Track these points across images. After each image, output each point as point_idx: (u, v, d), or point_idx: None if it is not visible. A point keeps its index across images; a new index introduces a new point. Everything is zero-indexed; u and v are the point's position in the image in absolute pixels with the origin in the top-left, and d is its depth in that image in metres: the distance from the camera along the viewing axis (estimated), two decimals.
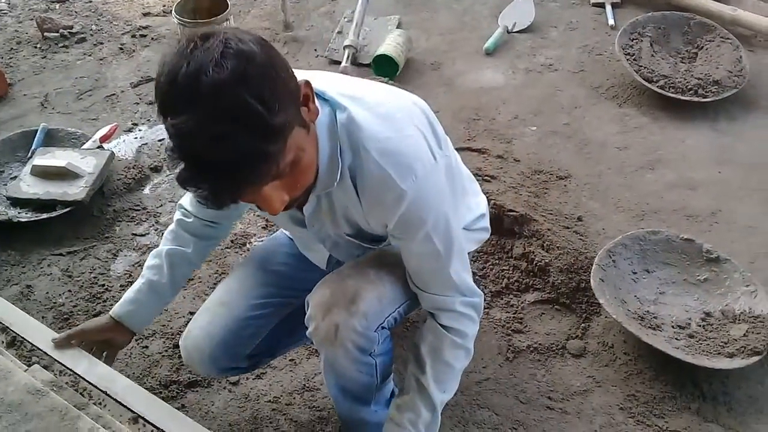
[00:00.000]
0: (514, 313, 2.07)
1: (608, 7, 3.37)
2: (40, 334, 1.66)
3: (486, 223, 1.68)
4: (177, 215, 1.63)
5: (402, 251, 1.39)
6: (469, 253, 1.57)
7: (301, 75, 1.19)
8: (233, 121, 0.97)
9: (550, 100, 2.90)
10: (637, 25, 3.03)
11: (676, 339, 1.92)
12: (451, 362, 1.47)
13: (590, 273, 2.01)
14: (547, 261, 2.12)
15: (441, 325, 1.45)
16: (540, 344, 1.99)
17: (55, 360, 1.62)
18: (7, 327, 1.79)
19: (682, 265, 2.10)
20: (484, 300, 2.07)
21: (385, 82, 2.80)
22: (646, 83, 2.80)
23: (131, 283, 2.12)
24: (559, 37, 3.25)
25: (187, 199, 1.62)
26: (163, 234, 2.27)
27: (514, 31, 3.26)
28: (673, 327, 1.96)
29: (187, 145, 1.00)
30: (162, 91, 1.02)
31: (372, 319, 1.40)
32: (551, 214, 2.31)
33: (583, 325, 2.04)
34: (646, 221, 2.35)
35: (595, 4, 3.43)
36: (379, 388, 1.56)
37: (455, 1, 3.49)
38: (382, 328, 1.44)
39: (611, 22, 3.28)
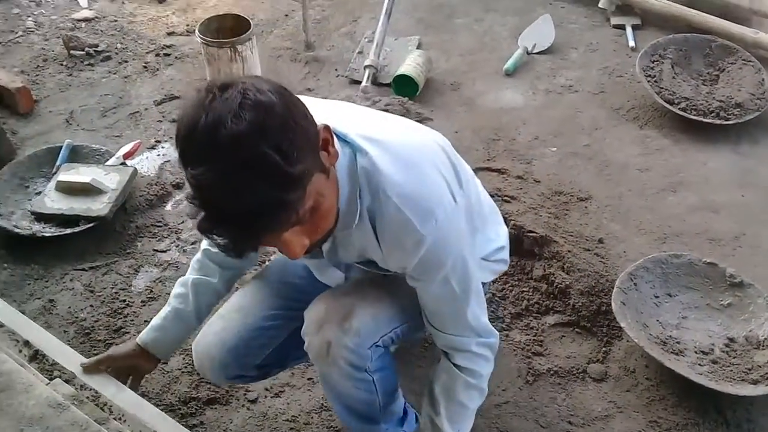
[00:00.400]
0: (534, 336, 2.06)
1: (629, 29, 3.37)
2: (63, 353, 1.69)
3: (505, 255, 1.67)
4: (204, 243, 1.65)
5: (419, 292, 1.39)
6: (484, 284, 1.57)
7: (319, 108, 1.20)
8: (252, 172, 0.98)
9: (571, 121, 2.90)
10: (658, 47, 3.03)
11: (699, 365, 1.90)
12: (465, 402, 1.48)
13: (611, 296, 2.00)
14: (567, 283, 2.11)
15: (455, 364, 1.46)
16: (560, 368, 1.98)
17: (76, 376, 1.64)
18: (29, 341, 1.81)
19: (705, 290, 2.08)
20: (503, 322, 2.07)
21: (405, 102, 2.82)
22: (667, 105, 2.79)
23: (152, 298, 2.16)
24: (580, 58, 3.25)
25: None
26: (183, 250, 2.32)
27: (534, 52, 3.26)
28: (696, 352, 1.94)
29: (207, 195, 1.01)
30: (182, 142, 1.03)
31: (365, 337, 1.41)
32: (572, 235, 2.30)
33: (604, 348, 2.02)
34: (668, 244, 2.33)
35: (616, 26, 3.43)
36: (384, 406, 1.54)
37: (475, 23, 3.51)
38: (377, 346, 1.44)
39: (632, 43, 3.28)
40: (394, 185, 1.22)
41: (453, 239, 1.29)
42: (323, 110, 1.30)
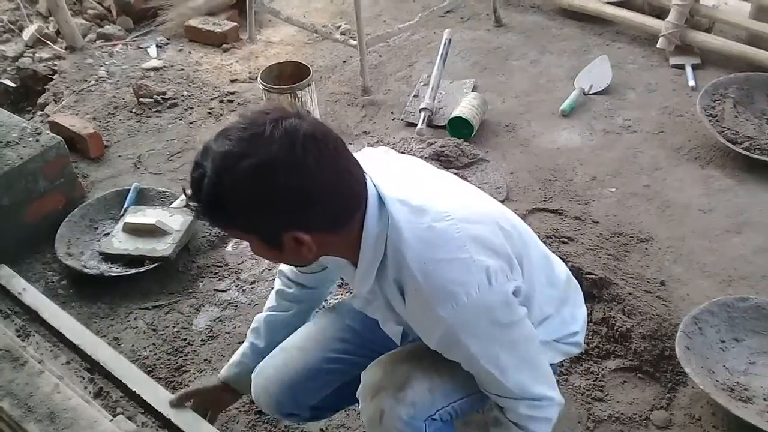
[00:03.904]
0: (594, 381, 2.01)
1: (688, 69, 3.33)
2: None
3: (580, 339, 1.60)
4: (277, 284, 1.71)
5: None
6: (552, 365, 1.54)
7: (386, 158, 1.33)
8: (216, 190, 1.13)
9: (629, 161, 2.86)
10: (718, 86, 2.98)
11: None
12: None
13: (675, 340, 1.94)
14: (628, 327, 2.06)
15: (508, 418, 1.40)
16: (622, 414, 1.92)
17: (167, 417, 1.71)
18: (94, 378, 1.88)
19: None
20: (562, 365, 2.03)
21: (460, 143, 2.84)
22: (730, 145, 2.73)
23: (212, 337, 2.21)
24: (638, 98, 3.22)
25: (286, 266, 1.69)
26: (243, 290, 2.37)
27: (590, 93, 3.25)
28: (765, 400, 1.86)
29: (201, 164, 1.16)
30: (228, 126, 1.16)
31: (420, 410, 1.39)
32: (632, 278, 2.25)
33: (668, 395, 1.96)
34: (733, 287, 2.25)
35: (675, 66, 3.40)
36: None
37: (531, 65, 3.53)
38: (432, 419, 1.41)
39: (692, 83, 3.24)
40: (417, 261, 1.21)
41: (479, 324, 1.24)
42: (388, 157, 1.41)
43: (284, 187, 1.12)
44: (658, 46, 3.44)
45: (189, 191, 1.19)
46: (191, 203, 1.19)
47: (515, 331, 1.30)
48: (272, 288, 1.73)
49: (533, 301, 1.39)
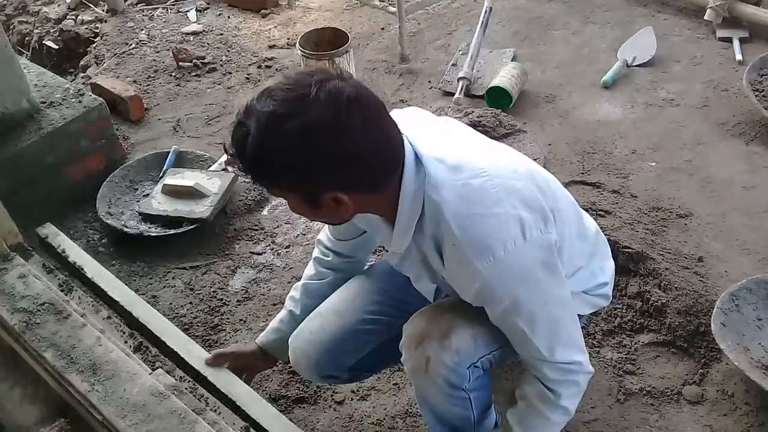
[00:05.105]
0: (626, 354, 2.00)
1: (736, 42, 3.23)
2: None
3: (608, 291, 1.61)
4: (315, 252, 1.74)
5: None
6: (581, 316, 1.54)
7: (422, 118, 1.32)
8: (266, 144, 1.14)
9: (671, 135, 2.80)
10: (766, 61, 2.89)
11: None
12: (543, 413, 1.42)
13: (711, 317, 1.92)
14: (663, 301, 2.04)
15: (535, 375, 1.41)
16: (654, 388, 1.91)
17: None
18: (134, 333, 1.93)
19: None
20: (595, 338, 2.02)
21: (498, 113, 2.81)
22: None
23: (247, 298, 2.25)
24: (682, 71, 3.15)
25: (324, 235, 1.71)
26: (278, 253, 2.40)
27: (634, 64, 3.18)
28: None
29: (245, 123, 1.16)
30: (271, 87, 1.16)
31: (464, 357, 1.40)
32: (669, 253, 2.22)
33: (701, 370, 1.94)
34: None
35: (722, 39, 3.30)
36: (479, 421, 1.53)
37: (573, 35, 3.46)
38: (475, 366, 1.43)
39: (739, 56, 3.14)
40: (455, 216, 1.23)
41: (514, 277, 1.26)
42: (423, 118, 1.40)
43: (328, 149, 1.13)
44: (705, 18, 3.35)
45: (231, 149, 1.19)
46: (234, 160, 1.20)
47: (550, 290, 1.31)
48: (308, 254, 1.76)
49: (564, 253, 1.39)
